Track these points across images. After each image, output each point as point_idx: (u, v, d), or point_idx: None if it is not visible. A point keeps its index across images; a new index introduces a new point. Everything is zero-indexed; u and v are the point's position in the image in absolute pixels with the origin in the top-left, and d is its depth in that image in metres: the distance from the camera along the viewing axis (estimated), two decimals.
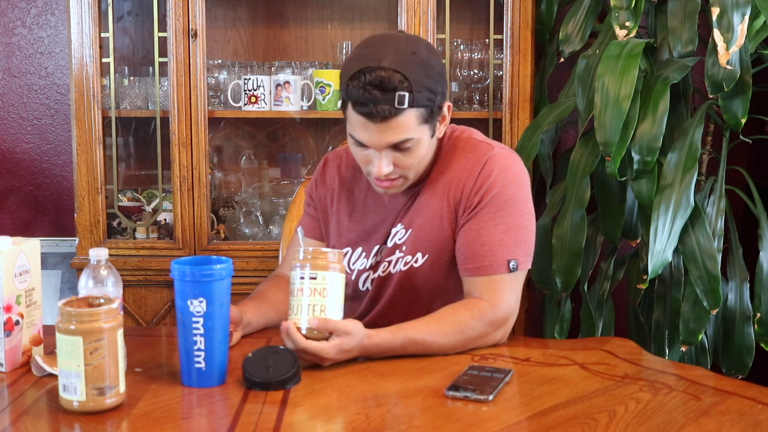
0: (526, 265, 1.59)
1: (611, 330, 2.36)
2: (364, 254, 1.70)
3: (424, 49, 1.53)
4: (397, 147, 1.52)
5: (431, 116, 1.53)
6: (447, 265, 1.63)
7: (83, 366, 1.22)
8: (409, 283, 1.65)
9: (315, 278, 1.40)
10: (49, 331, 1.43)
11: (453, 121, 1.69)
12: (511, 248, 1.56)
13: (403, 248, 1.65)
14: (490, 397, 1.28)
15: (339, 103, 1.59)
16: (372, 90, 1.45)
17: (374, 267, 1.69)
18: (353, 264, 1.71)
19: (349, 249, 1.71)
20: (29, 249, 1.44)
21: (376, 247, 1.68)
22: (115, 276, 1.36)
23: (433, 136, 1.57)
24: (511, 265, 1.55)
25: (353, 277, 1.71)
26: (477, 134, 1.68)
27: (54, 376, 1.37)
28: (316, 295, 1.40)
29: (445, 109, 1.58)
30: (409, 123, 1.49)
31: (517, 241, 1.57)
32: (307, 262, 1.41)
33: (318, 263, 1.41)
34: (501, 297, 1.55)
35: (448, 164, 1.63)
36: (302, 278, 1.41)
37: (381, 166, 1.53)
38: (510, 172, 1.59)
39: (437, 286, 1.64)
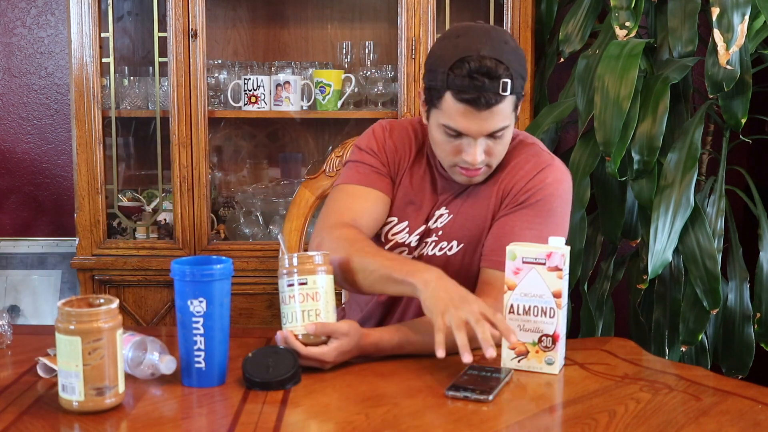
0: None
1: (611, 330, 2.36)
2: (407, 230, 1.69)
3: (510, 38, 1.57)
4: (492, 135, 1.54)
5: (519, 103, 1.56)
6: (479, 259, 1.63)
7: (82, 366, 1.22)
8: (441, 269, 1.64)
9: (305, 283, 1.39)
10: (49, 330, 1.44)
11: None
12: None
13: (440, 233, 1.65)
14: (490, 397, 1.28)
15: (423, 95, 1.58)
16: (479, 77, 1.47)
17: (412, 247, 1.67)
18: (391, 235, 1.69)
19: (395, 219, 1.69)
20: None
21: (422, 228, 1.67)
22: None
23: (515, 124, 1.60)
24: None
25: (387, 246, 1.68)
26: (540, 144, 1.71)
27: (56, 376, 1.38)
28: (308, 300, 1.40)
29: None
30: (507, 110, 1.52)
31: None
32: (294, 268, 1.40)
33: (306, 268, 1.40)
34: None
35: (509, 163, 1.64)
36: (292, 285, 1.40)
37: (477, 154, 1.54)
38: (561, 187, 1.62)
39: (468, 279, 1.63)
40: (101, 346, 1.22)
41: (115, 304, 1.25)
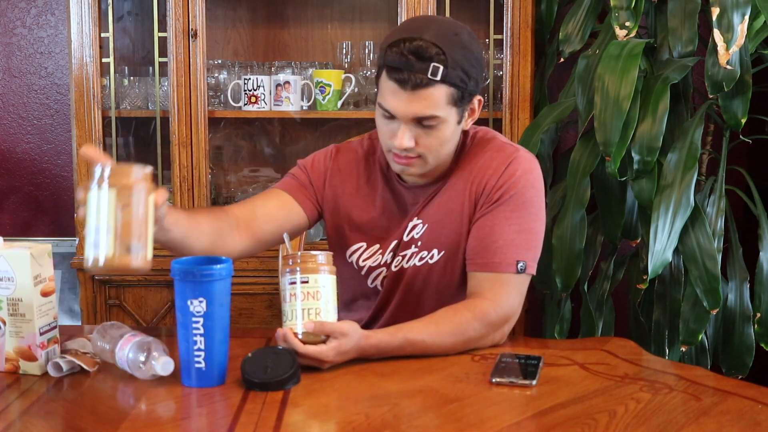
0: (532, 270, 1.59)
1: (611, 330, 2.36)
2: (380, 251, 1.68)
3: (467, 34, 1.56)
4: (422, 123, 1.52)
5: (461, 100, 1.53)
6: (462, 263, 1.62)
7: (114, 221, 1.22)
8: (423, 279, 1.64)
9: (307, 282, 1.39)
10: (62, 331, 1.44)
11: None
12: (522, 250, 1.56)
13: (419, 243, 1.64)
14: (534, 382, 1.33)
15: (376, 75, 1.59)
16: (408, 56, 1.47)
17: (388, 264, 1.67)
18: (363, 261, 1.69)
19: (363, 244, 1.69)
20: (13, 257, 1.37)
21: (394, 243, 1.67)
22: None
23: (459, 123, 1.57)
24: (519, 266, 1.55)
25: (362, 273, 1.69)
26: (501, 136, 1.69)
27: (64, 375, 1.38)
28: (309, 298, 1.39)
29: (475, 101, 1.59)
30: (438, 99, 1.50)
31: (528, 244, 1.57)
32: (297, 266, 1.40)
33: (308, 266, 1.40)
34: (505, 296, 1.55)
35: (472, 162, 1.63)
36: (293, 283, 1.40)
37: (402, 137, 1.52)
38: (532, 176, 1.61)
39: (451, 284, 1.64)
40: (133, 203, 1.23)
41: (149, 169, 1.30)
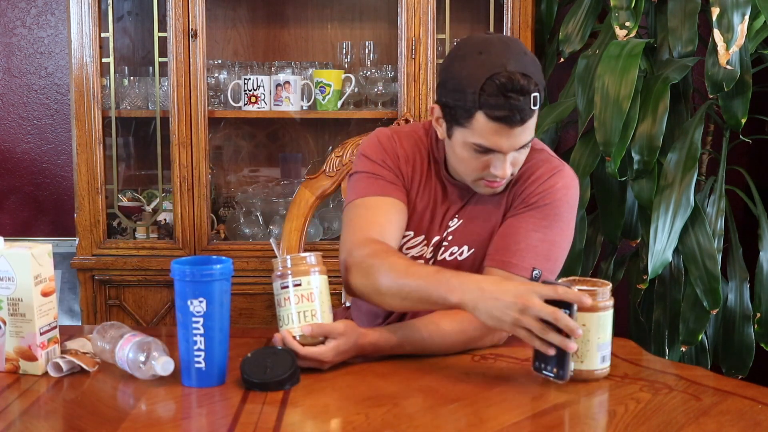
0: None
1: None
2: (424, 242, 1.68)
3: (524, 47, 1.55)
4: (519, 146, 1.53)
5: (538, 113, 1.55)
6: None
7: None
8: None
9: (299, 284, 1.40)
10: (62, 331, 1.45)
11: None
12: (541, 258, 1.56)
13: (450, 238, 1.65)
14: (567, 377, 1.30)
15: (441, 111, 1.56)
16: (513, 95, 1.44)
17: (427, 259, 1.67)
18: (407, 249, 1.68)
19: (411, 233, 1.67)
20: (13, 257, 1.37)
21: (436, 239, 1.67)
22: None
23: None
24: (534, 273, 1.52)
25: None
26: (548, 149, 1.70)
27: (64, 375, 1.38)
28: (303, 301, 1.40)
29: None
30: (534, 122, 1.52)
31: (549, 255, 1.57)
32: (288, 270, 1.40)
33: (299, 269, 1.40)
34: None
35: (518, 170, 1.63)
36: (286, 287, 1.40)
37: (507, 168, 1.53)
38: (569, 193, 1.61)
39: None
40: None
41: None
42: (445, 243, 1.65)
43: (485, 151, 1.52)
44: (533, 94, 1.45)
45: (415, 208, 1.68)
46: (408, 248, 1.69)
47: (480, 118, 1.47)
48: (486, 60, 1.47)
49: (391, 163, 1.66)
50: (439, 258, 1.66)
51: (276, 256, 1.45)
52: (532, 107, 1.46)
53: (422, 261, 1.67)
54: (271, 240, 1.53)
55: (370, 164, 1.66)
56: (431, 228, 1.67)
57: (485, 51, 1.49)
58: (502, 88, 1.44)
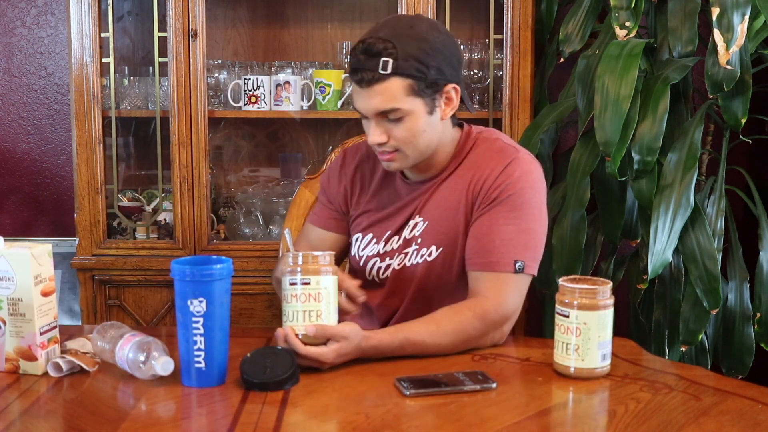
0: (532, 270, 1.59)
1: None
2: (374, 240, 1.72)
3: (427, 26, 1.57)
4: (388, 117, 1.55)
5: (425, 90, 1.54)
6: (459, 261, 1.64)
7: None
8: (425, 276, 1.66)
9: (308, 283, 1.39)
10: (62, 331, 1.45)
11: None
12: (520, 249, 1.57)
13: (419, 240, 1.67)
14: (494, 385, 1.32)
15: None
16: (360, 56, 1.52)
17: (382, 255, 1.70)
18: (362, 250, 1.73)
19: (359, 235, 1.74)
20: (13, 257, 1.37)
21: (387, 233, 1.70)
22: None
23: (432, 113, 1.58)
24: (517, 265, 1.56)
25: (361, 263, 1.73)
26: (504, 137, 1.71)
27: (64, 375, 1.38)
28: (310, 300, 1.39)
29: (450, 90, 1.59)
30: (395, 91, 1.52)
31: (527, 244, 1.58)
32: (298, 266, 1.40)
33: (309, 267, 1.39)
34: (505, 296, 1.56)
35: (472, 162, 1.65)
36: (294, 284, 1.39)
37: (372, 134, 1.58)
38: (531, 177, 1.61)
39: (450, 280, 1.65)
40: None
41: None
42: (415, 246, 1.67)
43: (365, 116, 1.59)
44: (383, 58, 1.49)
45: (370, 211, 1.73)
46: (362, 250, 1.73)
47: (351, 79, 1.57)
48: (372, 29, 1.56)
49: (328, 189, 1.80)
50: (410, 263, 1.67)
51: (288, 249, 1.44)
52: (380, 71, 1.50)
53: (377, 260, 1.71)
54: (285, 232, 1.51)
55: (320, 192, 1.85)
56: (382, 225, 1.71)
57: (378, 23, 1.58)
58: (356, 49, 1.53)
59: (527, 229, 1.58)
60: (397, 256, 1.69)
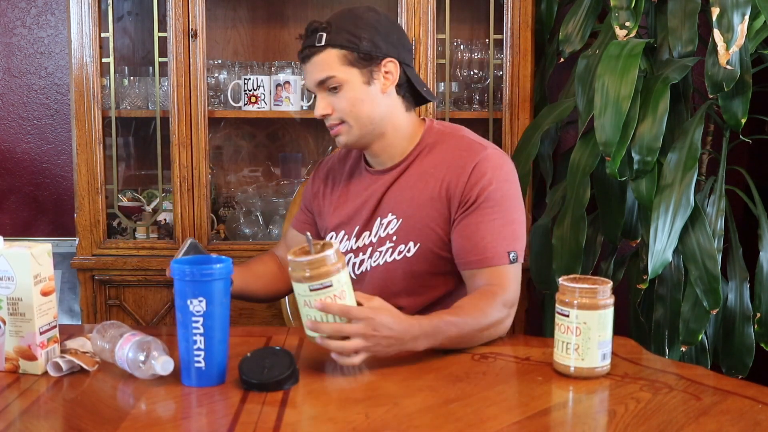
0: (522, 258, 1.65)
1: None
2: (346, 236, 1.76)
3: (365, 9, 1.69)
4: (327, 88, 1.66)
5: (359, 61, 1.64)
6: (436, 255, 1.68)
7: None
8: (403, 271, 1.69)
9: (330, 285, 1.34)
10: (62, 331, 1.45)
11: (453, 121, 1.73)
12: (510, 241, 1.62)
13: (394, 238, 1.70)
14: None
15: None
16: (304, 34, 1.68)
17: (356, 251, 1.75)
18: None
19: (333, 233, 1.78)
20: (13, 256, 1.37)
21: (357, 228, 1.75)
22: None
23: (369, 84, 1.66)
24: (511, 256, 1.61)
25: None
26: (469, 132, 1.76)
27: (64, 375, 1.38)
28: (336, 300, 1.35)
29: (388, 65, 1.67)
30: (330, 61, 1.64)
31: (514, 234, 1.64)
32: (316, 271, 1.33)
33: (325, 270, 1.33)
34: (507, 284, 1.60)
35: (440, 158, 1.69)
36: (317, 289, 1.34)
37: (317, 106, 1.68)
38: (503, 171, 1.66)
39: (430, 274, 1.69)
40: None
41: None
42: (391, 244, 1.70)
43: (313, 94, 1.73)
44: (318, 33, 1.65)
45: (333, 212, 1.80)
46: None
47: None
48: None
49: (306, 198, 1.91)
50: (389, 260, 1.70)
51: (305, 253, 1.37)
52: (316, 44, 1.64)
53: (351, 255, 1.75)
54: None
55: (301, 198, 1.96)
56: (352, 221, 1.76)
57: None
58: (305, 29, 1.68)
59: (511, 220, 1.64)
60: (373, 254, 1.72)
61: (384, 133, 1.70)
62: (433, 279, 1.69)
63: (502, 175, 1.65)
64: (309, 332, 1.38)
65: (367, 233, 1.73)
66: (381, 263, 1.71)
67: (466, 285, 1.65)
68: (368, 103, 1.67)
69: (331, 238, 1.78)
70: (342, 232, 1.77)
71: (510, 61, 2.51)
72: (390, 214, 1.71)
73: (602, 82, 2.08)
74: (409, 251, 1.69)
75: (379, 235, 1.72)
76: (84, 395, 1.33)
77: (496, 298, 1.56)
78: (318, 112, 1.68)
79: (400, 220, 1.70)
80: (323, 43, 1.64)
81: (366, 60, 1.64)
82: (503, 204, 1.63)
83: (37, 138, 2.97)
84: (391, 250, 1.70)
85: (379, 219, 1.72)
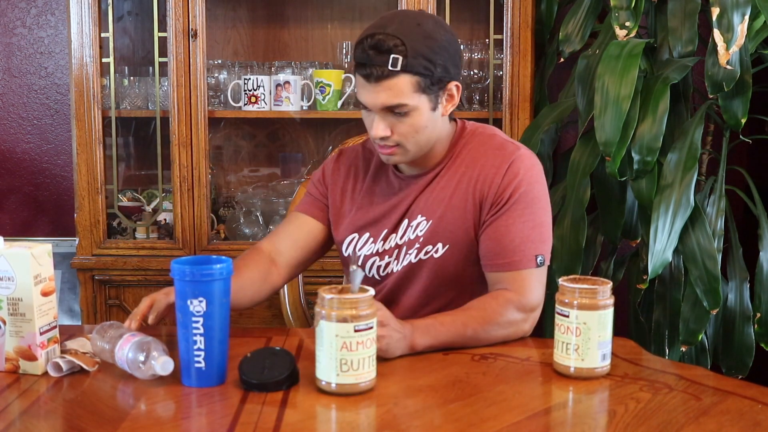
0: (548, 261, 1.64)
1: None
2: (371, 239, 1.72)
3: (433, 23, 1.58)
4: (394, 111, 1.57)
5: (430, 87, 1.56)
6: (464, 257, 1.66)
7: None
8: (429, 272, 1.67)
9: (371, 327, 1.29)
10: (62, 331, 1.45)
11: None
12: (537, 244, 1.61)
13: (421, 240, 1.67)
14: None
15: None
16: (369, 51, 1.53)
17: (381, 253, 1.71)
18: (359, 250, 1.73)
19: (356, 235, 1.73)
20: (13, 257, 1.37)
21: (384, 231, 1.71)
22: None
23: (435, 109, 1.60)
24: (538, 260, 1.60)
25: (360, 263, 1.73)
26: (501, 133, 1.73)
27: (64, 375, 1.38)
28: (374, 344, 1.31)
29: (452, 88, 1.61)
30: (403, 87, 1.54)
31: (542, 237, 1.62)
32: (352, 314, 1.27)
33: (362, 313, 1.27)
34: (529, 288, 1.59)
35: (471, 158, 1.67)
36: (361, 330, 1.27)
37: (376, 127, 1.58)
38: (534, 172, 1.65)
39: (455, 276, 1.67)
40: None
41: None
42: (417, 246, 1.68)
43: (366, 108, 1.60)
44: (393, 55, 1.51)
45: (363, 208, 1.74)
46: (359, 249, 1.74)
47: (357, 73, 1.58)
48: (376, 23, 1.57)
49: (321, 183, 1.80)
50: (415, 260, 1.68)
51: (346, 291, 1.30)
52: (390, 67, 1.52)
53: (377, 258, 1.71)
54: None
55: (310, 184, 1.83)
56: (378, 223, 1.71)
57: (383, 17, 1.59)
58: (365, 43, 1.53)
59: (540, 223, 1.62)
60: (400, 255, 1.70)
61: (431, 148, 1.66)
62: (457, 280, 1.67)
63: (533, 176, 1.63)
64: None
65: (394, 236, 1.70)
66: (405, 264, 1.69)
67: (489, 286, 1.63)
68: (430, 128, 1.61)
69: (353, 240, 1.73)
70: (366, 234, 1.72)
71: (510, 61, 2.51)
72: (419, 216, 1.68)
73: (602, 82, 2.08)
74: (437, 252, 1.66)
75: (408, 238, 1.69)
76: (84, 395, 1.32)
77: (509, 299, 1.56)
78: (377, 134, 1.58)
79: (430, 221, 1.67)
80: (398, 68, 1.52)
81: (437, 86, 1.57)
82: (533, 206, 1.61)
83: (37, 138, 2.97)
84: (416, 251, 1.67)
85: (407, 221, 1.69)
